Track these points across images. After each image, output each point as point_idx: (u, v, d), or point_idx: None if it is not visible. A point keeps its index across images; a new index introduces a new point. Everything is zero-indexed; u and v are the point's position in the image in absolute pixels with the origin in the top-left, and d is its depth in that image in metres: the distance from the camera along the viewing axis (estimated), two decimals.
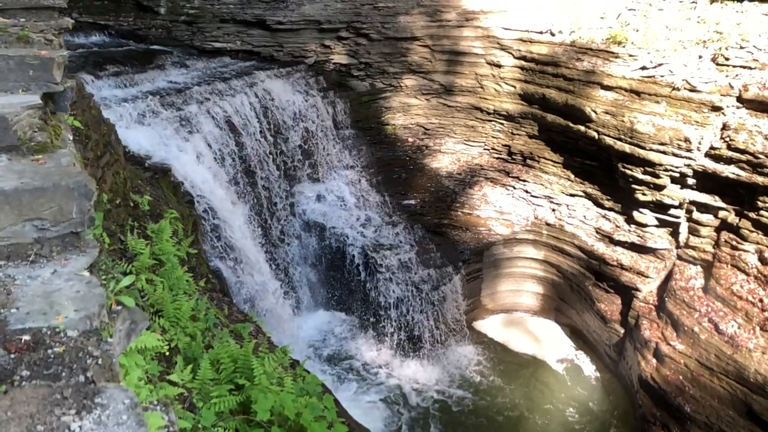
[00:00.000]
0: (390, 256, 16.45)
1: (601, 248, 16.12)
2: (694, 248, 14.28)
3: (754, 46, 13.56)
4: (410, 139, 20.14)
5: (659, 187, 14.45)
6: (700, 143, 13.41)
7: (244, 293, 13.13)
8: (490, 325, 18.38)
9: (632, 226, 15.67)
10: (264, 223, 15.55)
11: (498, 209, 18.21)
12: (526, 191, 18.07)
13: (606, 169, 15.92)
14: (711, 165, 13.32)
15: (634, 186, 14.92)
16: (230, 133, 14.75)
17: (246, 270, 13.46)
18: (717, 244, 13.72)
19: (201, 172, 12.90)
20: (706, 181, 13.69)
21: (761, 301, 12.47)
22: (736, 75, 13.43)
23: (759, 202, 12.68)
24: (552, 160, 17.60)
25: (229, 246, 12.99)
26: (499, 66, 18.22)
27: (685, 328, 13.37)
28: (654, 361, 13.89)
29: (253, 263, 13.91)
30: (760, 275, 12.68)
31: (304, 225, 16.99)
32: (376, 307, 16.34)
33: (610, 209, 16.37)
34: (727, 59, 13.70)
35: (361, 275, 16.53)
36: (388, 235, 17.25)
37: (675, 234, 14.97)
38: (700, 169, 13.57)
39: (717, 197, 13.75)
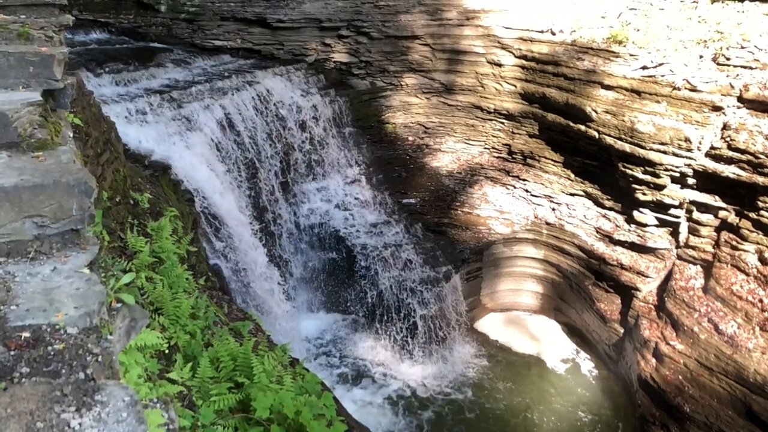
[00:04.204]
0: (390, 255, 16.44)
1: (601, 248, 16.12)
2: (694, 248, 14.27)
3: (755, 46, 13.55)
4: (410, 138, 20.13)
5: (659, 187, 14.45)
6: (700, 143, 13.41)
7: (243, 294, 13.12)
8: (490, 325, 18.39)
9: (632, 225, 15.67)
10: (264, 222, 15.54)
11: (498, 208, 18.20)
12: (526, 190, 18.07)
13: (606, 169, 15.91)
14: (711, 165, 13.31)
15: (634, 186, 14.91)
16: (230, 131, 14.74)
17: (245, 268, 13.45)
18: (717, 244, 13.71)
19: (201, 170, 12.89)
20: (707, 181, 13.69)
21: (761, 301, 12.47)
22: (737, 75, 13.42)
23: (759, 202, 12.67)
24: (552, 160, 17.60)
25: (228, 244, 12.98)
26: (499, 65, 18.21)
27: (685, 328, 13.37)
28: (653, 360, 13.89)
29: (252, 262, 13.89)
30: (760, 275, 12.68)
31: (303, 224, 16.98)
32: (376, 307, 16.34)
33: (610, 209, 16.36)
34: (728, 59, 13.69)
35: (361, 274, 16.51)
36: (388, 233, 17.25)
37: (675, 234, 14.97)
38: (700, 169, 13.56)
39: (717, 197, 13.74)
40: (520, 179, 18.27)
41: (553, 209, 17.48)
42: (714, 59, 14.01)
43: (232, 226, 13.20)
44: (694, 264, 14.30)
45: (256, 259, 14.20)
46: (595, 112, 15.17)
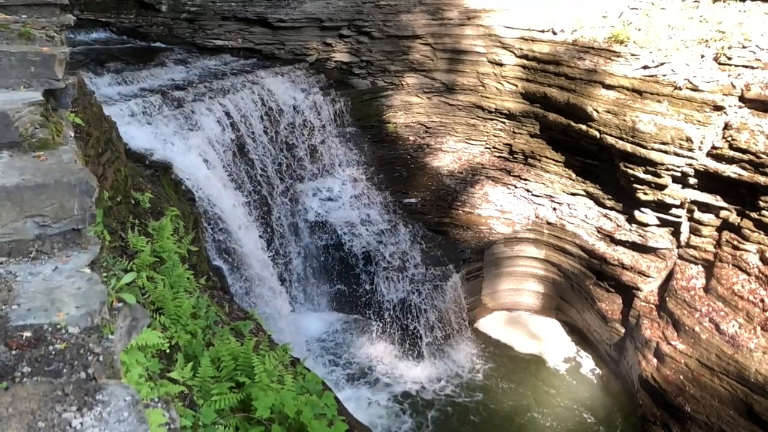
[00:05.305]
0: (391, 255, 16.43)
1: (602, 247, 16.10)
2: (695, 248, 14.26)
3: (756, 46, 13.53)
4: (411, 138, 20.12)
5: (661, 187, 14.43)
6: (701, 143, 13.39)
7: (243, 293, 13.06)
8: (491, 324, 18.37)
9: (633, 225, 15.65)
10: (265, 222, 15.53)
11: (499, 208, 18.18)
12: (528, 190, 18.05)
13: (607, 169, 15.90)
14: (713, 165, 13.29)
15: (635, 185, 14.90)
16: (231, 130, 14.74)
17: (247, 268, 13.40)
18: (718, 244, 13.70)
19: (202, 170, 12.88)
20: (708, 180, 13.67)
21: (762, 301, 12.46)
22: (738, 74, 13.40)
23: (761, 202, 12.66)
24: (553, 159, 17.58)
25: (230, 245, 12.94)
26: (500, 65, 18.20)
27: (686, 328, 13.36)
28: (654, 360, 13.88)
29: (254, 262, 13.86)
30: (761, 275, 12.66)
31: (305, 223, 16.97)
32: (378, 306, 16.33)
33: (611, 208, 16.34)
34: (729, 59, 13.68)
35: (362, 274, 16.50)
36: (389, 233, 17.23)
37: (676, 234, 14.95)
38: (701, 169, 13.55)
39: (718, 197, 13.73)
40: (521, 179, 18.25)
41: (554, 209, 17.47)
42: (715, 59, 13.99)
43: (256, 268, 12.68)
44: (696, 264, 14.28)
45: (281, 307, 13.72)
46: (597, 111, 15.16)
